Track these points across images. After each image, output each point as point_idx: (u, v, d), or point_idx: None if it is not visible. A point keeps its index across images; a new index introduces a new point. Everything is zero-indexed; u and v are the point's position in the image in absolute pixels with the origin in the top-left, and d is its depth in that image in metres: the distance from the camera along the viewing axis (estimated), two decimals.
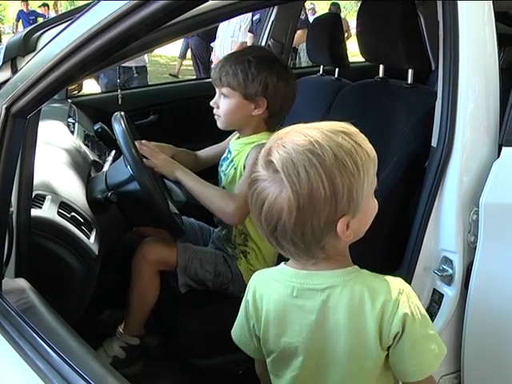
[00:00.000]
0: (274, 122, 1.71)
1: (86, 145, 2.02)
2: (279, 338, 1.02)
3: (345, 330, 0.96)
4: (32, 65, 0.96)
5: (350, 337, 0.96)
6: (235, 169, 1.71)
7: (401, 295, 0.95)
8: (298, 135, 0.90)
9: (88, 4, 1.33)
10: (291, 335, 1.01)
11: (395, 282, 0.98)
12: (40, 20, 11.42)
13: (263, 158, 0.92)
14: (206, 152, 1.99)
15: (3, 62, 1.19)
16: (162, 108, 2.74)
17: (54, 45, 0.90)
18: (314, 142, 0.87)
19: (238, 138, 1.77)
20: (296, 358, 1.02)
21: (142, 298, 1.72)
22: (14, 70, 1.19)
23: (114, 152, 1.97)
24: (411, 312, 0.94)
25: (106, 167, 1.80)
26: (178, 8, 0.81)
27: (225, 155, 1.81)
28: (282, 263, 1.04)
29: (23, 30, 1.29)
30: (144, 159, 1.60)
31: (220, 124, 1.71)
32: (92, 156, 1.94)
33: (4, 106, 0.95)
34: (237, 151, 1.73)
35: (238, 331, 1.13)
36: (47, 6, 12.20)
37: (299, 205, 0.87)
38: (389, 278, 0.99)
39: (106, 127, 2.16)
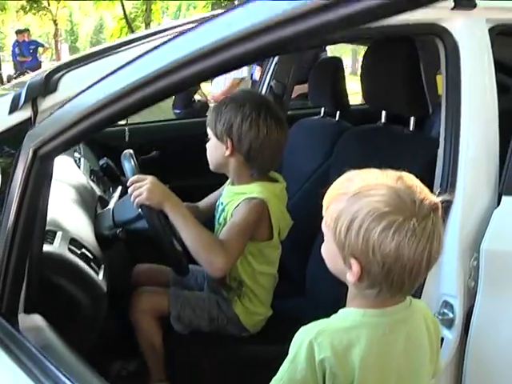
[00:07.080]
0: (254, 169, 1.64)
1: (92, 180, 2.05)
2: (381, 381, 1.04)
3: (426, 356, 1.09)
4: (64, 111, 0.99)
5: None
6: (225, 219, 1.67)
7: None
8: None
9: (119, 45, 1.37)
10: (391, 373, 1.04)
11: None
12: (40, 49, 11.54)
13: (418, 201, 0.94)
14: (205, 202, 1.89)
15: (24, 102, 1.22)
16: (165, 144, 2.78)
17: (89, 94, 0.93)
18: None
19: (232, 184, 1.73)
20: None
21: (149, 345, 1.71)
22: (35, 110, 1.23)
23: (119, 188, 1.99)
24: None
25: (111, 203, 1.83)
26: None
27: (219, 201, 1.76)
28: (341, 310, 1.05)
29: (45, 70, 1.32)
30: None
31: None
32: (98, 191, 1.96)
33: (32, 149, 0.98)
34: (228, 199, 1.69)
35: None
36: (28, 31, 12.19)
37: None
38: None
39: (111, 163, 2.19)
